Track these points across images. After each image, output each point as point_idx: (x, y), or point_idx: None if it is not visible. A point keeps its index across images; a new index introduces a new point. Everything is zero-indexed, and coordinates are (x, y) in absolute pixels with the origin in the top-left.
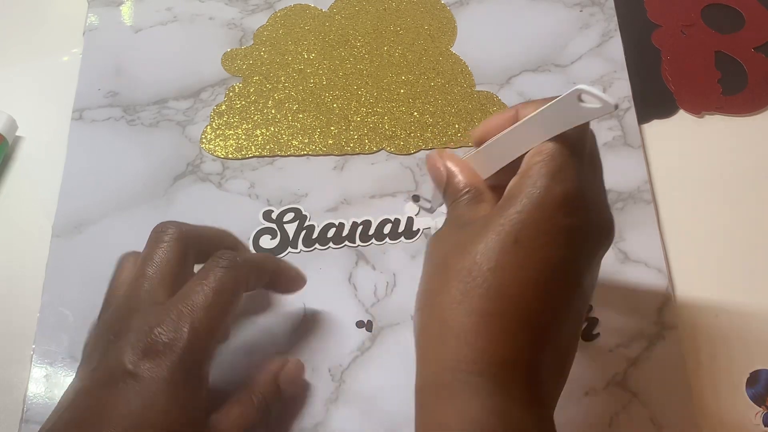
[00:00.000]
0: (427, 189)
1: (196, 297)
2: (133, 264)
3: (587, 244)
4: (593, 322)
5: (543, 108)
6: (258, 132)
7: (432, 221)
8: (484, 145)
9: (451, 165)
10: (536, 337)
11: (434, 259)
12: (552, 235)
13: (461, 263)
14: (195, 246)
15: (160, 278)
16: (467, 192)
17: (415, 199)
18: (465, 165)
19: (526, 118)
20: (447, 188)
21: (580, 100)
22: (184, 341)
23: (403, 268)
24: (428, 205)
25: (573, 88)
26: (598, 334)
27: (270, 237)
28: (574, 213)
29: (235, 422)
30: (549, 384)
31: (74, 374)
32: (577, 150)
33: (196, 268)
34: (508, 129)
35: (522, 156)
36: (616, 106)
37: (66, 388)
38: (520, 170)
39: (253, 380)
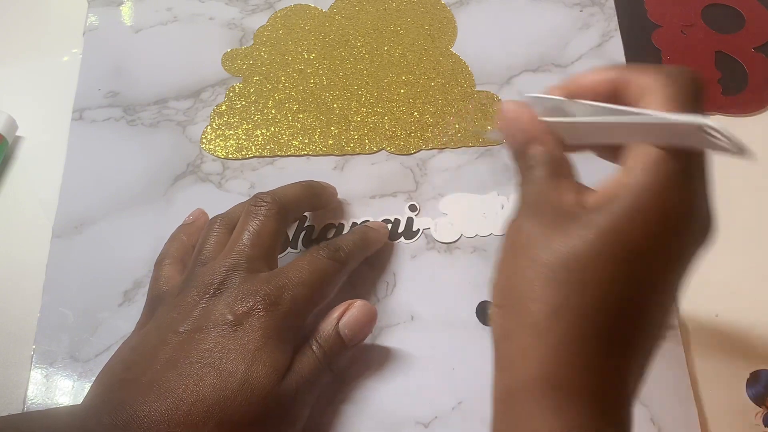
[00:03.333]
0: (426, 191)
1: (298, 274)
2: (186, 239)
3: (691, 257)
4: None
5: (665, 121)
6: (258, 132)
7: (432, 221)
8: (578, 119)
9: (530, 124)
10: (627, 352)
11: (518, 254)
12: (664, 255)
13: (556, 264)
14: (291, 215)
15: (259, 251)
16: (547, 162)
17: (412, 208)
18: (545, 128)
19: (642, 116)
20: (523, 150)
21: (705, 131)
22: (285, 307)
23: (403, 268)
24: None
25: (701, 121)
26: None
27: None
28: (687, 230)
29: (296, 376)
30: (631, 387)
31: (74, 373)
32: (698, 165)
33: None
34: (614, 113)
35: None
36: (746, 153)
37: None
38: (627, 168)
39: (315, 329)
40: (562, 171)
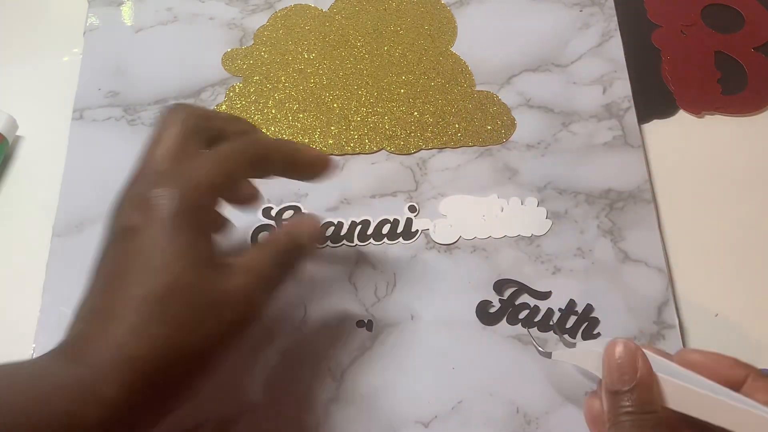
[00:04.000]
0: (426, 190)
1: (199, 161)
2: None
3: None
4: (594, 322)
5: None
6: None
7: (431, 222)
8: (694, 387)
9: (644, 373)
10: None
11: None
12: None
13: None
14: (203, 125)
15: (166, 154)
16: (650, 414)
17: (412, 209)
18: (656, 381)
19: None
20: (624, 393)
21: None
22: (182, 193)
23: (403, 268)
24: (541, 349)
25: None
26: (599, 334)
27: (269, 234)
28: None
29: (248, 269)
30: None
31: None
32: None
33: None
34: (733, 404)
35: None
36: None
37: None
38: None
39: (266, 237)
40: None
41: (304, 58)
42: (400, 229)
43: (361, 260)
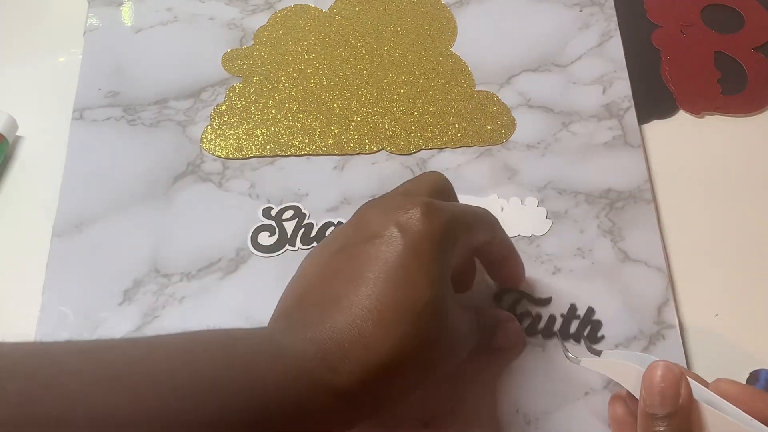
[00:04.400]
0: None
1: (454, 203)
2: None
3: None
4: (596, 325)
5: None
6: (258, 132)
7: None
8: (735, 420)
9: (687, 399)
10: None
11: None
12: None
13: None
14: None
15: (427, 189)
16: None
17: None
18: (695, 408)
19: None
20: (667, 419)
21: None
22: (448, 218)
23: None
24: (571, 354)
25: None
26: (603, 336)
27: (268, 234)
28: None
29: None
30: None
31: None
32: None
33: None
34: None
35: None
36: None
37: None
38: None
39: (489, 312)
40: None
41: (304, 58)
42: None
43: None
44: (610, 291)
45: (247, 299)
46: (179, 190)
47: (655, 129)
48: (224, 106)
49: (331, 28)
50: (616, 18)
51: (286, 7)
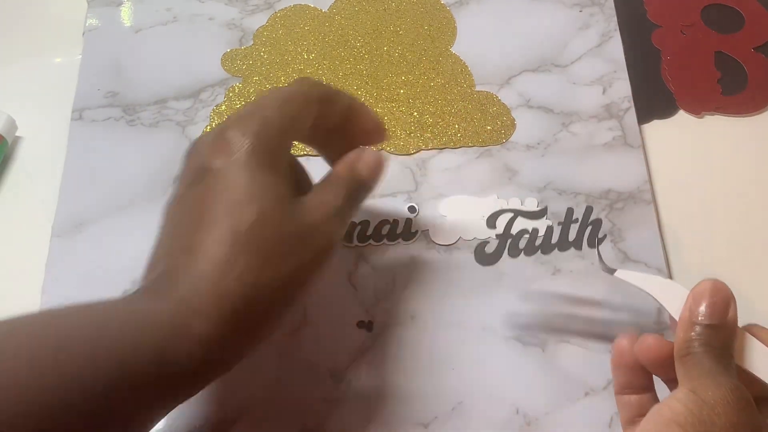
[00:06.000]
0: (426, 190)
1: (265, 100)
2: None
3: None
4: (596, 224)
5: None
6: None
7: (430, 224)
8: None
9: (733, 319)
10: None
11: None
12: None
13: None
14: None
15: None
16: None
17: (411, 210)
18: (739, 335)
19: None
20: (712, 330)
21: None
22: (254, 133)
23: (402, 268)
24: (606, 264)
25: None
26: (605, 236)
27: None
28: None
29: (322, 202)
30: None
31: None
32: None
33: None
34: None
35: None
36: None
37: None
38: None
39: (332, 171)
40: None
41: (304, 58)
42: (399, 230)
43: (361, 261)
44: (610, 291)
45: None
46: None
47: (655, 129)
48: (224, 107)
49: (330, 28)
50: (616, 18)
51: (286, 7)
